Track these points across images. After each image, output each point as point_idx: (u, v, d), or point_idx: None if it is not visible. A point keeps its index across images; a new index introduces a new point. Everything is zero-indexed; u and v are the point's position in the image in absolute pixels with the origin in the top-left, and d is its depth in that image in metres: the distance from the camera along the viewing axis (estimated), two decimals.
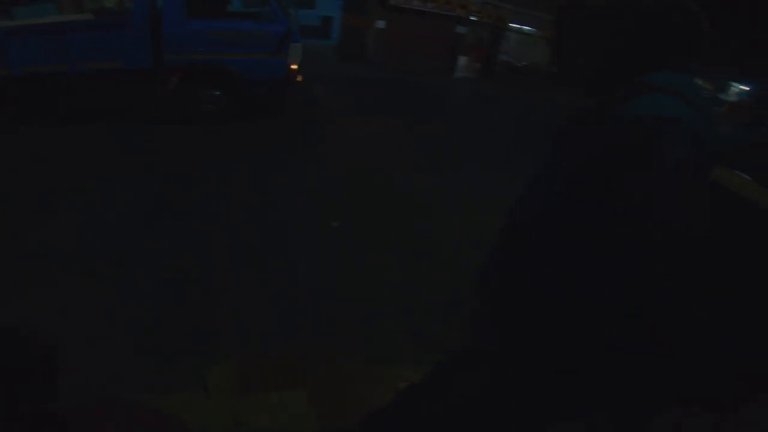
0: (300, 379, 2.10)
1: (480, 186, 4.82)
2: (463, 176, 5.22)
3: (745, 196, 1.39)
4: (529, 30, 13.86)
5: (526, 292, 0.89)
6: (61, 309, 2.33)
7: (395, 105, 9.01)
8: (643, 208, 0.74)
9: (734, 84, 7.87)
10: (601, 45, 0.86)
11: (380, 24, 12.86)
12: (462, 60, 13.94)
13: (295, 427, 1.85)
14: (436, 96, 11.07)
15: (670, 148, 0.73)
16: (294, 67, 6.18)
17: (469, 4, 12.72)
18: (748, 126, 6.80)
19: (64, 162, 4.50)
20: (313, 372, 2.15)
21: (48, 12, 6.02)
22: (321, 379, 2.12)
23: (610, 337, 0.81)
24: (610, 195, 0.76)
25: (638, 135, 0.75)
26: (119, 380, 1.95)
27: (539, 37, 14.38)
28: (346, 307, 2.64)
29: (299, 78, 6.42)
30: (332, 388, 2.09)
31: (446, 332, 2.28)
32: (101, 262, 2.92)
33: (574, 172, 0.84)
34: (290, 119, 6.70)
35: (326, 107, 8.18)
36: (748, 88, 7.69)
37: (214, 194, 4.12)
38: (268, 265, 3.05)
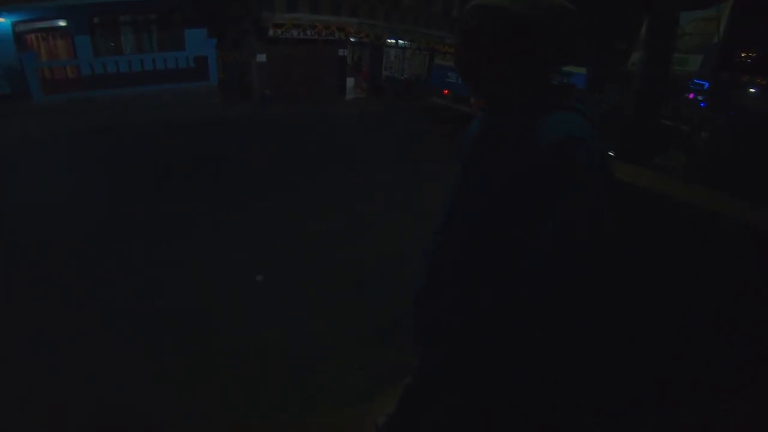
0: None
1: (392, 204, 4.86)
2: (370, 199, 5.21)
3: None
4: (404, 44, 14.62)
5: (459, 329, 0.89)
6: None
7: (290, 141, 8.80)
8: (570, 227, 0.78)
9: (566, 72, 9.45)
10: (499, 58, 0.86)
11: (261, 57, 12.57)
12: (350, 81, 14.18)
13: None
14: (330, 123, 11.07)
15: (584, 168, 0.77)
16: None
17: (347, 27, 13.04)
18: None
19: None
20: None
21: None
22: None
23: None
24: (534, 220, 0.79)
25: (554, 159, 0.78)
26: None
27: (415, 49, 15.28)
28: (293, 359, 2.38)
29: None
30: None
31: (397, 357, 2.17)
32: None
33: (495, 201, 0.85)
34: None
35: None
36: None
37: None
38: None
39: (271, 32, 12.41)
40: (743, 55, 9.32)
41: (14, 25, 9.48)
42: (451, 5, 14.43)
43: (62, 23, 10.19)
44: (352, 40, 13.63)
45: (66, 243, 3.70)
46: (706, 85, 9.00)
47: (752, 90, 8.72)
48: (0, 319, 2.55)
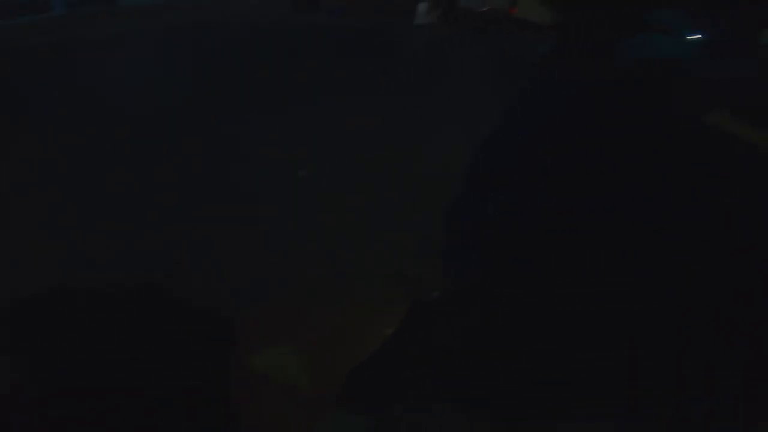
0: (283, 334, 2.15)
1: (443, 121, 4.85)
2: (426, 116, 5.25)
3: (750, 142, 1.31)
4: None
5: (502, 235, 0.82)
6: None
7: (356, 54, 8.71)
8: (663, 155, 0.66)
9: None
10: None
11: None
12: (422, 6, 13.42)
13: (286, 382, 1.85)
14: (396, 45, 10.77)
15: (678, 94, 0.64)
16: None
17: None
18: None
19: None
20: (295, 327, 2.19)
21: None
22: (305, 333, 2.16)
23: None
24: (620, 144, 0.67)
25: (645, 82, 0.63)
26: None
27: None
28: (320, 257, 2.57)
29: None
30: (318, 340, 2.13)
31: (427, 271, 2.29)
32: None
33: (566, 120, 0.75)
34: None
35: None
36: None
37: None
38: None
39: None
40: None
41: None
42: None
43: None
44: None
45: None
46: None
47: None
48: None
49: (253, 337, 2.16)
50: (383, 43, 10.74)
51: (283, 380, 1.89)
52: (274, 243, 2.75)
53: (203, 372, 1.81)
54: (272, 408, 1.85)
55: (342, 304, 2.31)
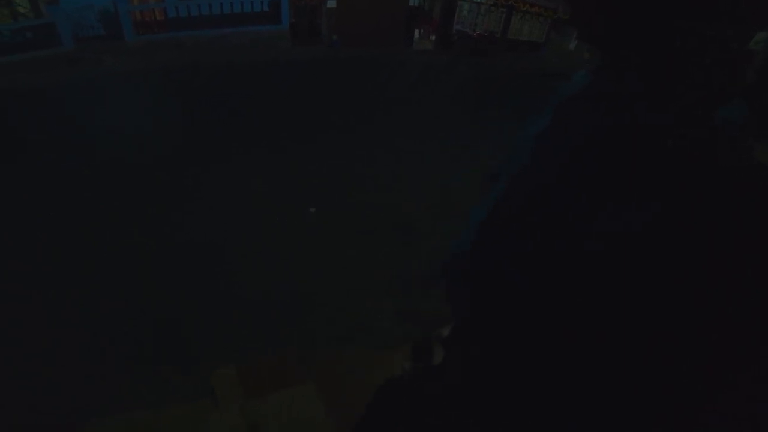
0: (303, 373, 2.11)
1: (447, 155, 4.95)
2: (424, 149, 5.35)
3: None
4: None
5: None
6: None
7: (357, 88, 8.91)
8: None
9: None
10: None
11: (331, 3, 12.50)
12: (417, 32, 13.79)
13: (308, 422, 1.88)
14: (394, 71, 11.02)
15: None
16: None
17: None
18: None
19: None
20: (315, 365, 2.15)
21: None
22: (325, 371, 2.13)
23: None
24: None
25: None
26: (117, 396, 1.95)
27: (491, 5, 14.37)
28: (333, 297, 2.62)
29: None
30: (338, 378, 2.11)
31: (435, 305, 2.27)
32: None
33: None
34: None
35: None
36: None
37: None
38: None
39: None
40: None
41: None
42: None
43: None
44: None
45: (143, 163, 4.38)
46: None
47: None
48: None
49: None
50: (386, 71, 10.98)
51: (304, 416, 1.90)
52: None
53: None
54: None
55: (357, 343, 2.30)
